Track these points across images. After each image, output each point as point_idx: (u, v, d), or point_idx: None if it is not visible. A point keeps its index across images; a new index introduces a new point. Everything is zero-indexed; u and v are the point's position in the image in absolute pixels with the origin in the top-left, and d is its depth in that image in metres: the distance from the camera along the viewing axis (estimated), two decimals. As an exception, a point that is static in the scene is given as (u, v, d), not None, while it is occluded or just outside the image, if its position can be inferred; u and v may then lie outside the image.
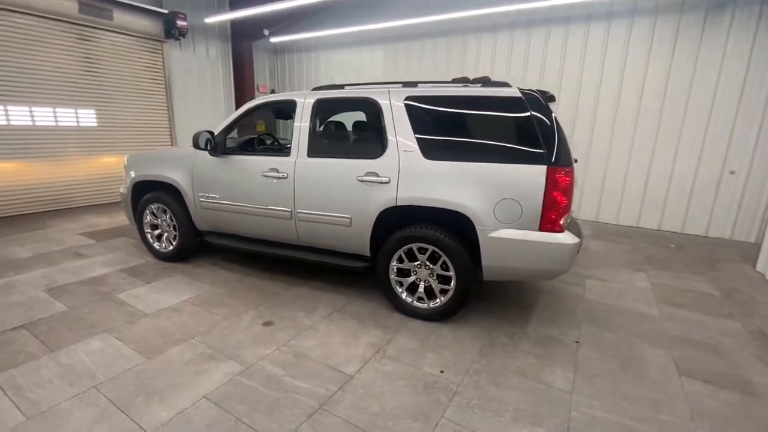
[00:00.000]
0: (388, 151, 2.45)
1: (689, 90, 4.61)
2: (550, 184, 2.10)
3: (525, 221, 2.17)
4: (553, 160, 2.10)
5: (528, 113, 2.17)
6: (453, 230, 2.36)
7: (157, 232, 3.46)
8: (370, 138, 2.80)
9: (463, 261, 2.30)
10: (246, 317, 2.48)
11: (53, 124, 5.13)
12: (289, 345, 2.18)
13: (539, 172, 2.11)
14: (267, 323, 2.42)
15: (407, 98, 2.45)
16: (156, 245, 3.48)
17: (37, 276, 3.05)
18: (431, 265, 2.42)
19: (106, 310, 2.51)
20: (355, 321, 2.47)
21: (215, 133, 2.99)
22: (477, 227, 2.24)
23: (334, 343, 2.21)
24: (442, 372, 1.98)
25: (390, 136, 2.46)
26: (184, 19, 5.88)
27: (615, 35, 4.89)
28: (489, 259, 2.27)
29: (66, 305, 2.57)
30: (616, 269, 3.55)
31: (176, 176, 3.18)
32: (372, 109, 2.59)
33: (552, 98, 2.49)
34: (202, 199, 3.11)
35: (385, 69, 6.74)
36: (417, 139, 2.39)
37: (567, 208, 2.17)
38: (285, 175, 2.74)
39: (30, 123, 4.95)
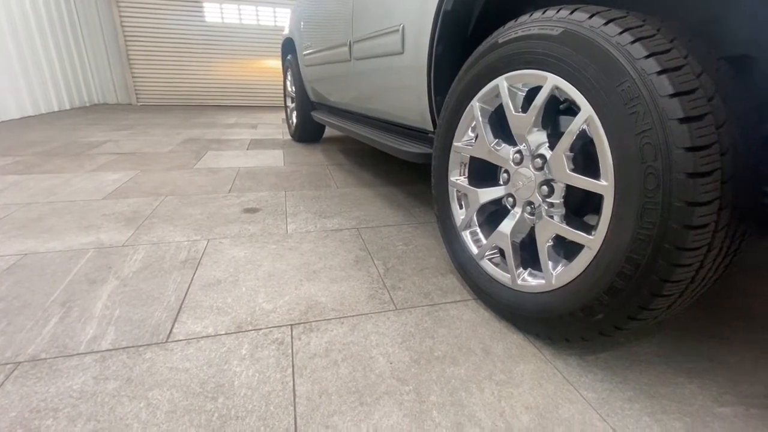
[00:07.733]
0: None
1: None
2: None
3: None
4: None
5: None
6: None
7: (293, 105, 3.07)
8: None
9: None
10: (244, 198, 1.65)
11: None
12: (213, 244, 1.19)
13: None
14: (250, 210, 1.50)
15: None
16: (289, 121, 3.13)
17: (198, 132, 3.33)
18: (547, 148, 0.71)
19: (177, 156, 2.31)
20: (355, 253, 1.15)
21: None
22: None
23: (260, 275, 1.04)
24: None
25: None
26: None
27: None
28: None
29: (172, 149, 2.56)
30: None
31: (295, 26, 2.54)
32: None
33: None
34: (305, 53, 2.37)
35: None
36: None
37: None
38: (346, -27, 1.54)
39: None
